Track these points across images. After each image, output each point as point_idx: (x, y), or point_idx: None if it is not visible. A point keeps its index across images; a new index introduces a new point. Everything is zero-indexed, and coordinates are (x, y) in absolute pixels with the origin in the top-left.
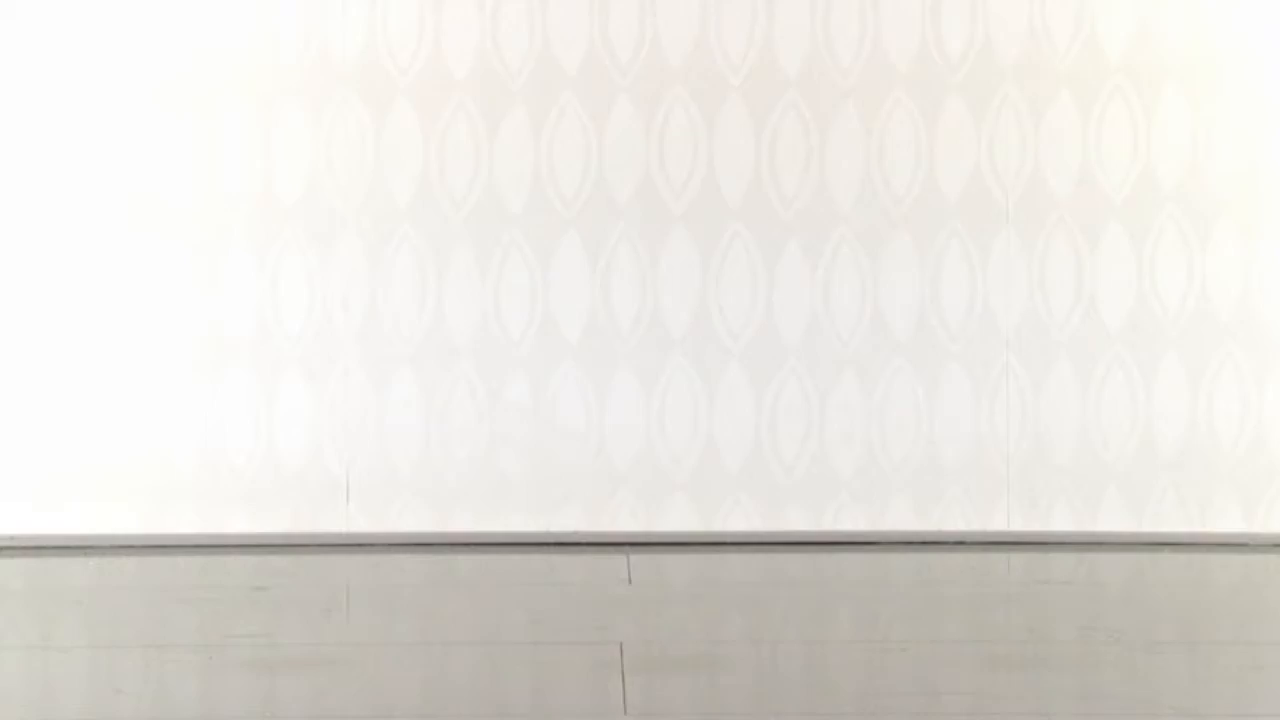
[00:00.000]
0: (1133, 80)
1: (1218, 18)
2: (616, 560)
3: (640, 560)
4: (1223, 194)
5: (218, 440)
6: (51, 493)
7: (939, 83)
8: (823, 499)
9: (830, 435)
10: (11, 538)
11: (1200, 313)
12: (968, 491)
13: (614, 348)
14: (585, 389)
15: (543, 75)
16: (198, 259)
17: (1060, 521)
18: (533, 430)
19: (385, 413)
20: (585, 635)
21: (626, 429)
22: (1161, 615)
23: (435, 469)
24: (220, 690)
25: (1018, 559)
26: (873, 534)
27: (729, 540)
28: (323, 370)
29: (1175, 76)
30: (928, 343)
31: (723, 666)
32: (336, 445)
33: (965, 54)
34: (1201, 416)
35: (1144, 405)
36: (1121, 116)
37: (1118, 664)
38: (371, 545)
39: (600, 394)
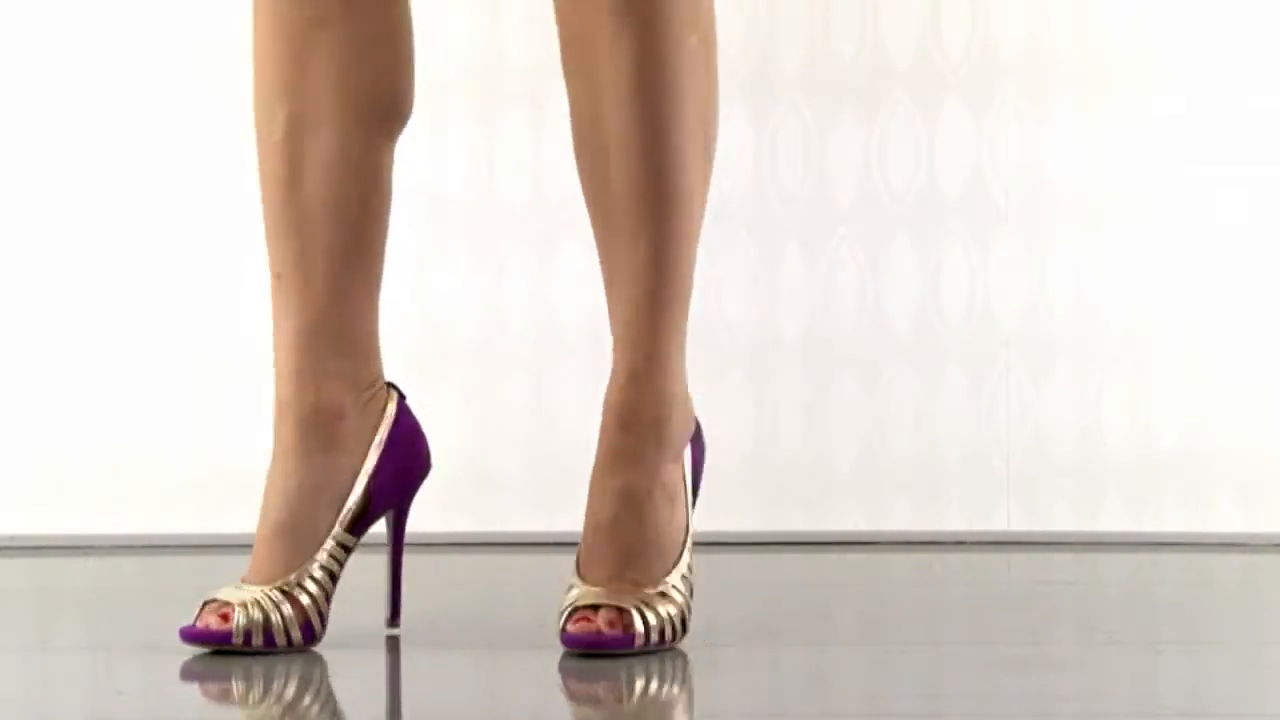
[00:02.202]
0: None
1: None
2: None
3: None
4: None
5: (217, 440)
6: (51, 493)
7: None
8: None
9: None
10: (11, 538)
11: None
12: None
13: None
14: (586, 388)
15: (544, 75)
16: (197, 260)
17: (1060, 521)
18: (533, 429)
19: None
20: None
21: None
22: (1161, 615)
23: (435, 469)
24: (220, 692)
25: (1018, 559)
26: (873, 534)
27: (729, 539)
28: None
29: None
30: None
31: (723, 667)
32: None
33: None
34: (1203, 416)
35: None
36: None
37: (1118, 664)
38: (371, 545)
39: (600, 393)
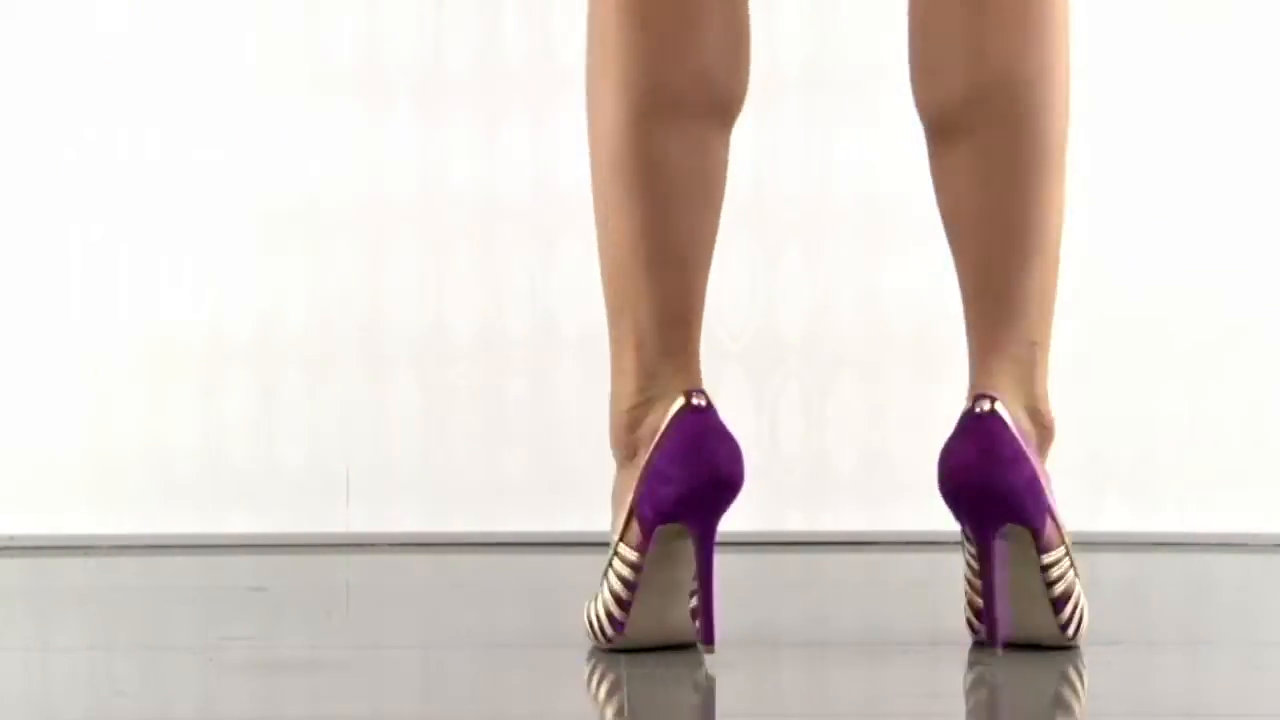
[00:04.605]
0: None
1: None
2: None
3: None
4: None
5: (218, 440)
6: (51, 493)
7: None
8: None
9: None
10: (11, 538)
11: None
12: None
13: None
14: (586, 388)
15: (544, 75)
16: (197, 258)
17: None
18: (533, 429)
19: (385, 412)
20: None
21: None
22: (1161, 615)
23: (435, 469)
24: (221, 692)
25: None
26: (873, 534)
27: (729, 540)
28: (323, 370)
29: None
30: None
31: (723, 668)
32: (336, 445)
33: None
34: (1203, 416)
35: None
36: None
37: (1118, 664)
38: (371, 545)
39: (600, 393)
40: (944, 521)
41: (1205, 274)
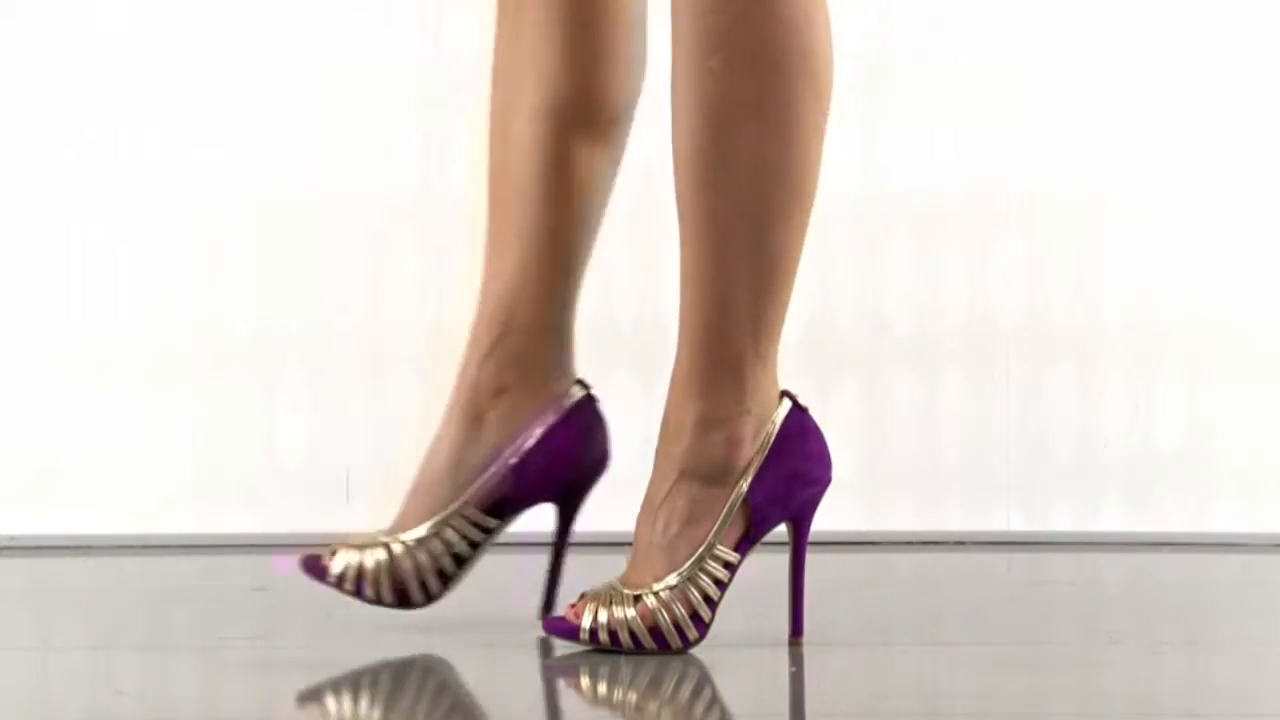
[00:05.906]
0: None
1: None
2: (616, 560)
3: None
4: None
5: (218, 440)
6: (50, 493)
7: None
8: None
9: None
10: (11, 538)
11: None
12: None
13: (614, 347)
14: None
15: None
16: (197, 259)
17: (1060, 521)
18: None
19: (385, 412)
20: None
21: (627, 429)
22: (1161, 615)
23: None
24: (221, 692)
25: (1018, 559)
26: (873, 534)
27: None
28: (323, 370)
29: None
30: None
31: (722, 667)
32: (336, 445)
33: None
34: (1203, 416)
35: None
36: None
37: (1118, 664)
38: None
39: (600, 394)
40: (944, 521)
41: (1204, 274)
